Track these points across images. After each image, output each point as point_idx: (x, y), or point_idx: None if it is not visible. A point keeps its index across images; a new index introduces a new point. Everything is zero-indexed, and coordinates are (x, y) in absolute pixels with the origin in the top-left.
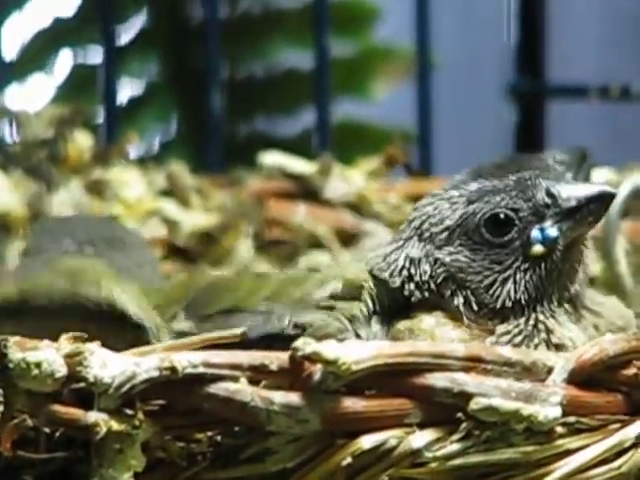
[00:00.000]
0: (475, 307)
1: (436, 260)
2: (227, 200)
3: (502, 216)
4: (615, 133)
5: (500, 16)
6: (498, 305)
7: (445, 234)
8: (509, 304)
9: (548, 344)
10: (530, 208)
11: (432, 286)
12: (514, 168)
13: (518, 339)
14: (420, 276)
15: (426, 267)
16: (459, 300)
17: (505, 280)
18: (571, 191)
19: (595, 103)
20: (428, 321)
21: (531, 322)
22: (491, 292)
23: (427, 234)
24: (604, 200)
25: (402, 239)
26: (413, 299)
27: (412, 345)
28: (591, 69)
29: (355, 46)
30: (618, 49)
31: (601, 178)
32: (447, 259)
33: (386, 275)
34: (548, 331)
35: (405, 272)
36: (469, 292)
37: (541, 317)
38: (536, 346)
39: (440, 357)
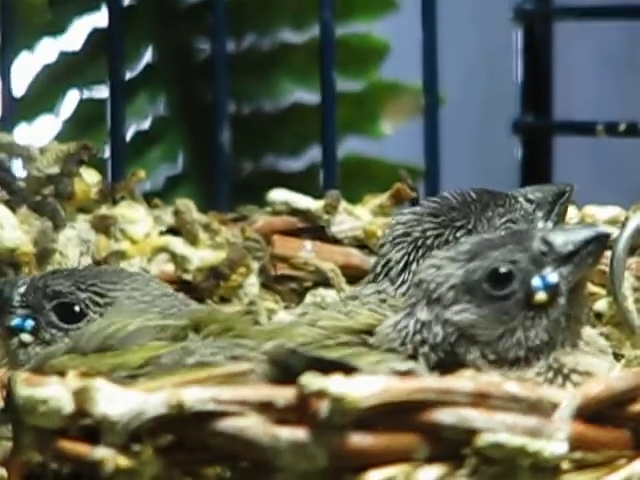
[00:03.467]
0: (490, 359)
1: (446, 321)
2: (234, 236)
3: (502, 270)
4: (619, 168)
5: (508, 55)
6: (511, 355)
7: (451, 293)
8: (521, 353)
9: (571, 380)
10: (528, 258)
11: (446, 346)
12: (479, 205)
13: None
14: (434, 338)
15: (437, 329)
16: (475, 355)
17: (513, 330)
18: (567, 236)
19: (602, 138)
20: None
21: (549, 365)
22: (502, 343)
23: (435, 296)
24: (600, 241)
25: (409, 305)
26: (430, 360)
27: (420, 381)
28: (594, 106)
29: (362, 82)
30: (618, 88)
31: (607, 214)
32: (456, 318)
33: (397, 344)
34: (569, 369)
35: (418, 337)
36: (481, 346)
37: (558, 358)
38: (560, 385)
39: (447, 393)
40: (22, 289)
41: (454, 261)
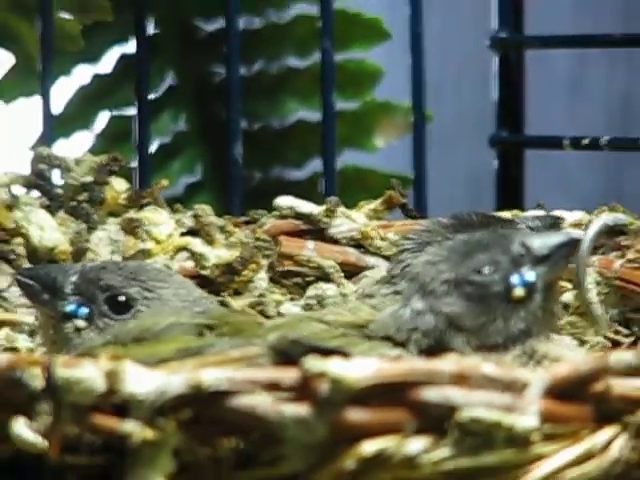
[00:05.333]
0: (473, 345)
1: (438, 311)
2: (246, 237)
3: (485, 270)
4: (582, 177)
5: (486, 78)
6: (491, 342)
7: (443, 287)
8: (500, 340)
9: (542, 365)
10: (509, 259)
11: (436, 333)
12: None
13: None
14: (426, 326)
15: (430, 318)
16: (460, 341)
17: (494, 321)
18: (542, 241)
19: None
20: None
21: (524, 351)
22: (484, 331)
23: (428, 289)
24: (571, 245)
25: (407, 297)
26: (422, 346)
27: (408, 363)
28: (562, 123)
29: (358, 102)
30: (586, 107)
31: (573, 218)
32: (446, 309)
33: (393, 331)
34: (541, 355)
35: (412, 324)
36: (466, 333)
37: (532, 345)
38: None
39: (432, 374)
40: (74, 278)
41: (447, 260)
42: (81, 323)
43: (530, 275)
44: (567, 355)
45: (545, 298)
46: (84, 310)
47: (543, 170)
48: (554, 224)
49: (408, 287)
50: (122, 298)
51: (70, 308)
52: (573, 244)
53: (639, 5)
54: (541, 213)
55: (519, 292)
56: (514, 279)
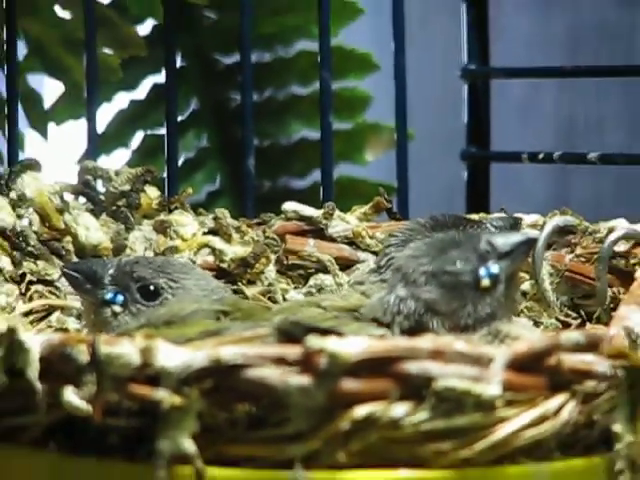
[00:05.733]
0: (447, 326)
1: (418, 298)
2: (257, 236)
3: (457, 264)
4: (539, 187)
5: (458, 103)
6: (462, 324)
7: (423, 278)
8: (470, 322)
9: (505, 342)
10: (477, 255)
11: (416, 316)
12: (461, 226)
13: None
14: (408, 310)
15: (411, 303)
16: (437, 323)
17: (465, 306)
18: (505, 239)
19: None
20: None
21: (489, 331)
22: (456, 315)
23: (411, 279)
24: (529, 243)
25: (391, 286)
26: (404, 326)
27: (393, 341)
28: (520, 141)
29: (351, 123)
30: (538, 127)
31: (530, 220)
32: (425, 295)
33: (380, 314)
34: (504, 335)
35: (396, 308)
36: (442, 317)
37: (497, 326)
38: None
39: (413, 350)
40: (111, 270)
41: (426, 254)
42: (117, 308)
43: (495, 268)
44: (525, 334)
45: (507, 287)
46: (120, 297)
47: (505, 180)
48: (514, 224)
49: (393, 277)
50: (152, 287)
51: (108, 296)
52: (530, 242)
53: (583, 42)
54: (504, 215)
55: (485, 282)
56: (481, 271)
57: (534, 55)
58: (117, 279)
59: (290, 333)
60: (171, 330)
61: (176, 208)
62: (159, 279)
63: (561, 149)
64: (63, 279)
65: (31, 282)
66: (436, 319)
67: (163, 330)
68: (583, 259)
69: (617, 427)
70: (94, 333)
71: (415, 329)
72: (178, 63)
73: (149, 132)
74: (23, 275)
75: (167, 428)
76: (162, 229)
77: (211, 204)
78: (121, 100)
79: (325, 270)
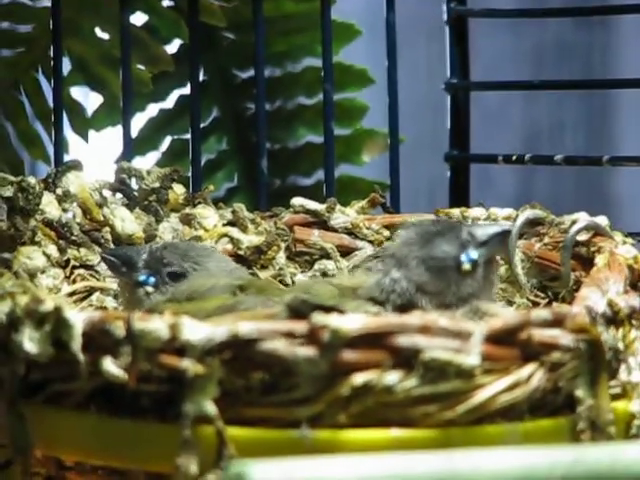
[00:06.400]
0: (434, 304)
1: (409, 279)
2: (270, 227)
3: (442, 250)
4: (511, 184)
5: (443, 112)
6: (447, 302)
7: (414, 262)
8: (454, 301)
9: (483, 319)
10: (459, 243)
11: (407, 295)
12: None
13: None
14: (401, 289)
15: (404, 284)
16: (425, 301)
17: (449, 287)
18: (483, 230)
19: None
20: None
21: (470, 309)
22: (442, 294)
23: (403, 262)
24: (505, 234)
25: (387, 269)
26: (396, 304)
27: (386, 317)
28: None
29: (351, 129)
30: (509, 132)
31: (504, 213)
32: (415, 278)
33: (377, 293)
34: (483, 312)
35: (390, 288)
36: (429, 296)
37: (477, 304)
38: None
39: (404, 325)
40: (144, 256)
41: (416, 242)
42: (150, 289)
43: (474, 254)
44: (501, 311)
45: (486, 271)
46: (152, 279)
47: (483, 179)
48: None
49: (388, 262)
50: (179, 271)
51: (142, 278)
52: (505, 233)
53: (547, 59)
54: (482, 211)
55: (466, 266)
56: (463, 257)
57: (505, 70)
58: (149, 263)
59: (299, 310)
60: (192, 305)
61: (199, 203)
62: (185, 263)
63: (528, 151)
64: (102, 264)
65: (74, 267)
66: (425, 298)
67: (185, 305)
68: (550, 247)
69: (579, 392)
70: (129, 311)
71: (406, 306)
72: (201, 77)
73: (176, 137)
74: (67, 261)
75: (192, 393)
76: (187, 221)
77: (230, 199)
78: (152, 109)
79: (328, 256)
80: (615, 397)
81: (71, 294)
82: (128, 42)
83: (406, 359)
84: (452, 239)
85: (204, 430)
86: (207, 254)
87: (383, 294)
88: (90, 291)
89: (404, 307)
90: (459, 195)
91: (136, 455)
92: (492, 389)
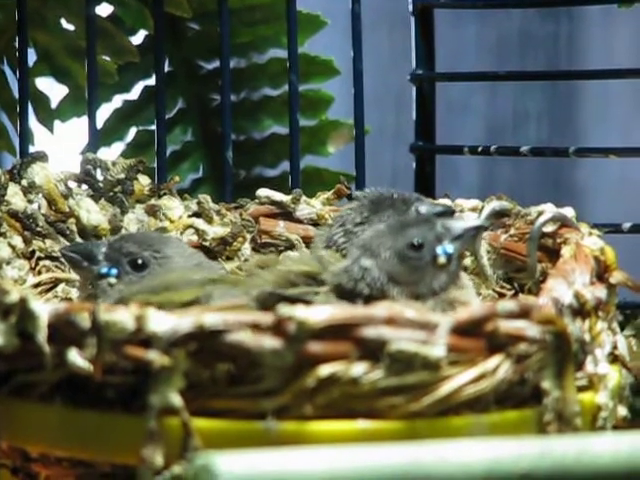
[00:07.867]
0: (405, 295)
1: (381, 269)
2: (235, 218)
3: (416, 242)
4: (476, 175)
5: (409, 102)
6: (419, 293)
7: (387, 253)
8: (425, 292)
9: (453, 307)
10: (434, 236)
11: (378, 285)
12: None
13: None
14: (371, 279)
15: (375, 273)
16: (396, 291)
17: (423, 278)
18: (458, 225)
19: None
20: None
21: (442, 299)
22: (414, 286)
23: (375, 253)
24: (478, 229)
25: (356, 257)
26: (364, 293)
27: (352, 309)
28: (460, 135)
29: (316, 120)
30: (473, 123)
31: (470, 204)
32: (387, 267)
33: (344, 279)
34: (452, 300)
35: (360, 277)
36: (401, 286)
37: (449, 295)
38: (447, 311)
39: (370, 316)
40: (104, 249)
41: (389, 233)
42: (112, 280)
43: (450, 248)
44: (470, 299)
45: (458, 264)
46: (114, 271)
47: (448, 170)
48: (440, 214)
49: (356, 251)
50: (139, 261)
51: (104, 270)
52: (479, 228)
53: (511, 50)
54: (447, 201)
55: (442, 260)
56: (439, 250)
57: (469, 60)
58: (109, 255)
59: (265, 302)
60: (161, 296)
61: (165, 194)
62: (144, 252)
63: (493, 142)
64: None
65: (40, 258)
66: (397, 288)
67: (154, 297)
68: (516, 238)
69: (545, 384)
70: (94, 302)
71: (376, 296)
72: (166, 68)
73: (141, 128)
74: (33, 252)
75: (157, 384)
76: (153, 212)
77: (195, 190)
78: (117, 100)
79: (293, 247)
80: (581, 389)
81: (36, 285)
82: (93, 33)
83: (372, 351)
84: (425, 231)
85: (170, 421)
86: (164, 241)
87: (350, 282)
88: (55, 282)
89: (373, 297)
90: (424, 186)
91: (101, 447)
92: (458, 381)
